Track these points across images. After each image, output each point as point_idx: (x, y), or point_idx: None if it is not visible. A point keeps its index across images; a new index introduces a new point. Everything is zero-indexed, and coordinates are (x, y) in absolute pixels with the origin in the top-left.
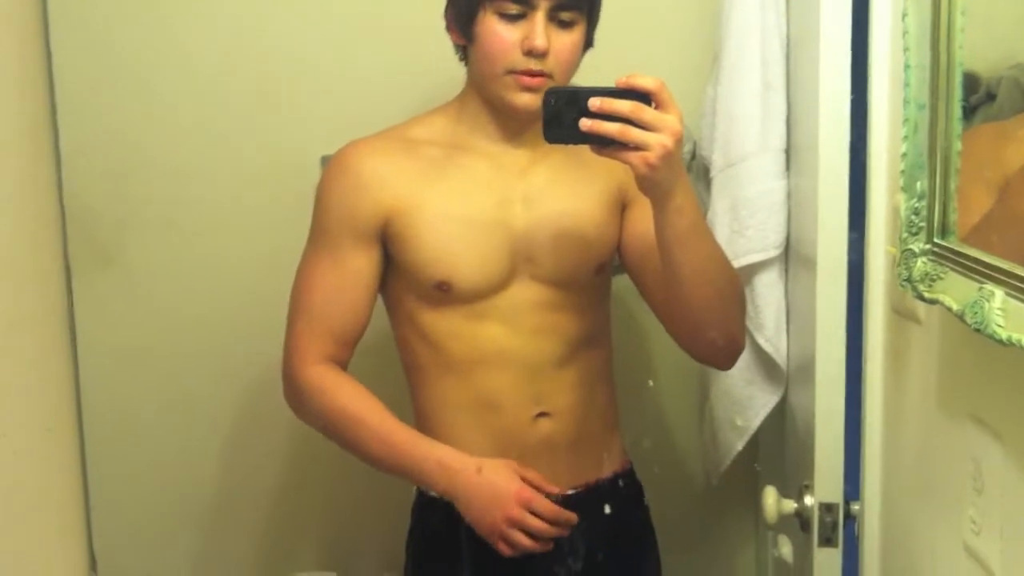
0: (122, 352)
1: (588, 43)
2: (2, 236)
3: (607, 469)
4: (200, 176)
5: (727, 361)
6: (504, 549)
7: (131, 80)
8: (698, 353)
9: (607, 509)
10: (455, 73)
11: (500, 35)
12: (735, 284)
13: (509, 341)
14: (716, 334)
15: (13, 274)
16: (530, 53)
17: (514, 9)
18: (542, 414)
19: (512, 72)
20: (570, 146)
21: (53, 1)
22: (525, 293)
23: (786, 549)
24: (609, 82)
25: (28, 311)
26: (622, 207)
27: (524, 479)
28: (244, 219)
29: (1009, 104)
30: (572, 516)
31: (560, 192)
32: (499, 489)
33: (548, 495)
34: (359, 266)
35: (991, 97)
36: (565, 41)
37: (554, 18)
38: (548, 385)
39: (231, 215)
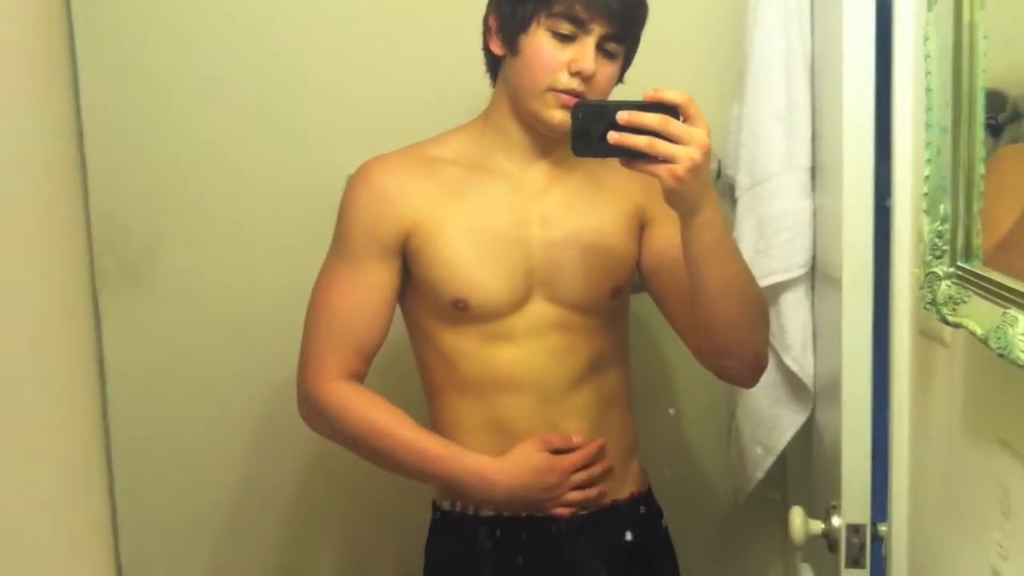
0: (147, 368)
1: (620, 78)
2: (31, 254)
3: (624, 491)
4: (226, 195)
5: (751, 379)
6: (563, 512)
7: (157, 100)
8: (722, 371)
9: (628, 536)
10: (477, 94)
11: (549, 52)
12: (760, 301)
13: (524, 363)
14: (741, 351)
15: (41, 292)
16: (578, 75)
17: (568, 30)
18: None
19: (553, 90)
20: (588, 167)
21: (80, 25)
22: (541, 314)
23: (814, 570)
24: (637, 98)
25: (55, 328)
26: (640, 228)
27: (550, 447)
28: (269, 237)
29: None
30: (598, 443)
31: (578, 213)
32: (540, 473)
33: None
34: (380, 280)
35: (1018, 116)
36: (606, 71)
37: (600, 47)
38: (561, 409)
39: (257, 233)
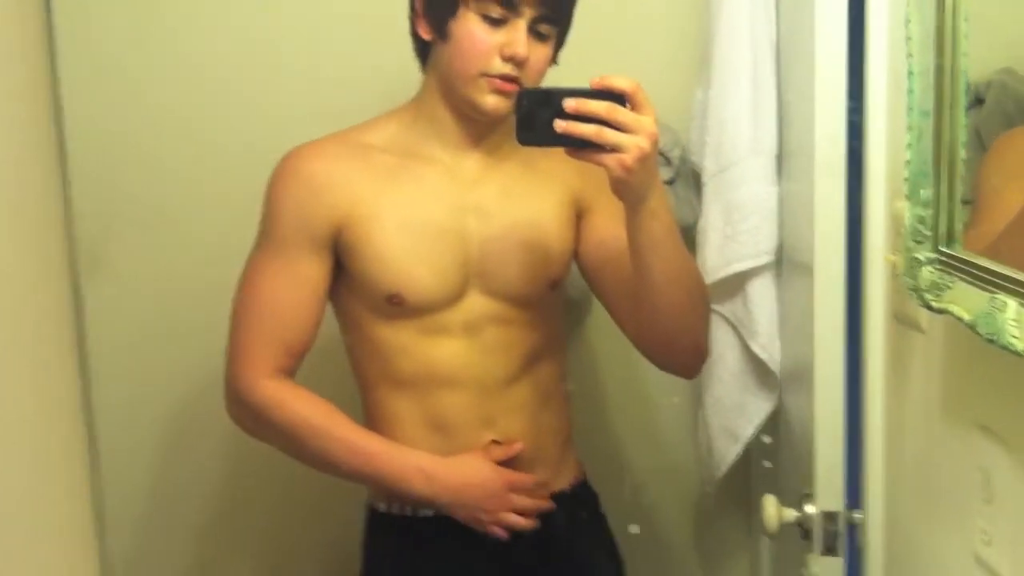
0: (116, 356)
1: (553, 59)
2: (9, 239)
3: (562, 482)
4: (190, 181)
5: (692, 370)
6: (500, 532)
7: (127, 84)
8: (665, 362)
9: (565, 524)
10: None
11: (480, 37)
12: (703, 292)
13: (460, 358)
14: (683, 342)
15: (19, 277)
16: (511, 59)
17: (498, 13)
18: (494, 442)
19: (486, 75)
20: (523, 154)
21: (60, 7)
22: (478, 307)
23: (785, 557)
24: (586, 83)
25: (34, 314)
26: (577, 217)
27: (496, 461)
28: (233, 220)
29: (998, 109)
30: (548, 503)
31: (514, 203)
32: (487, 482)
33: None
34: (311, 273)
35: (979, 101)
36: (539, 54)
37: (532, 29)
38: (499, 405)
39: (221, 216)
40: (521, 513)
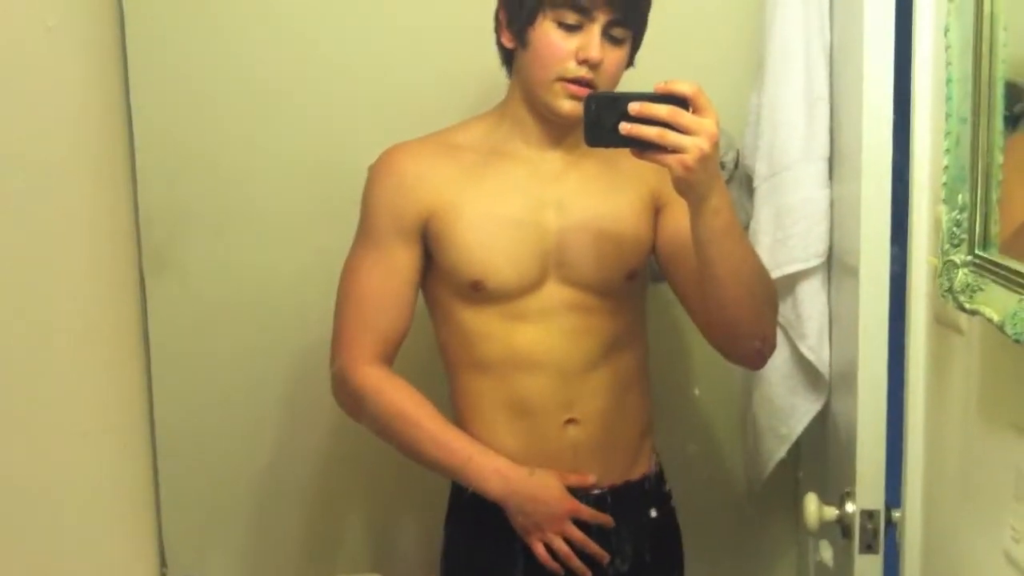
0: (177, 354)
1: (630, 62)
2: (82, 241)
3: (637, 471)
4: (253, 183)
5: (759, 361)
6: (543, 554)
7: (195, 93)
8: (731, 352)
9: (653, 513)
10: (495, 84)
11: (556, 43)
12: (768, 285)
13: (541, 343)
14: (748, 333)
15: (91, 277)
16: (585, 63)
17: (573, 19)
18: (571, 420)
19: (562, 79)
20: (604, 153)
21: (131, 18)
22: (557, 295)
23: (827, 555)
24: (651, 89)
25: (104, 314)
26: (655, 212)
27: (568, 486)
28: (294, 225)
29: None
30: (608, 519)
31: (593, 198)
32: (552, 501)
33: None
34: (403, 264)
35: None
36: (614, 57)
37: (607, 33)
38: (578, 389)
39: (282, 221)
40: (573, 545)
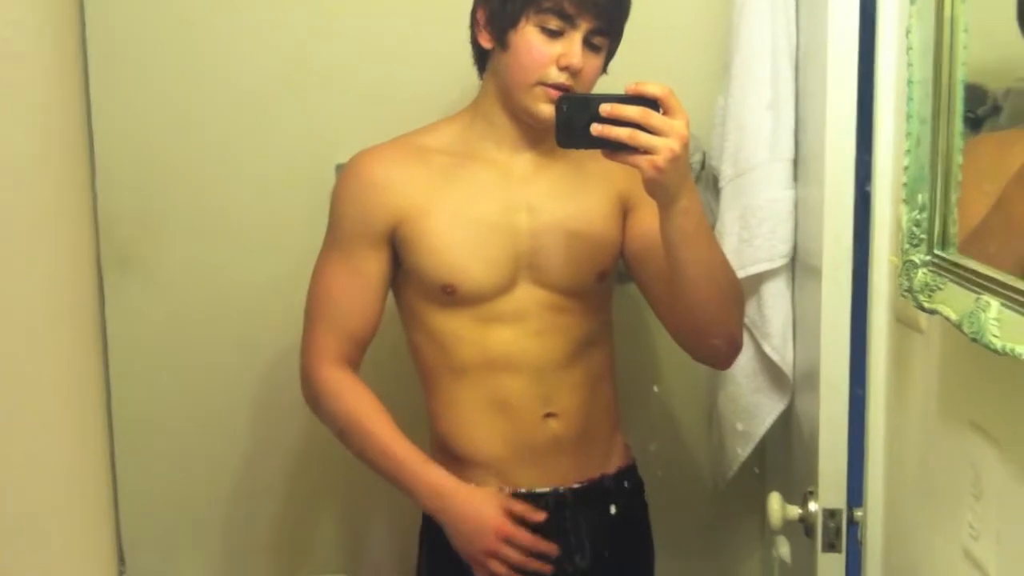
0: (143, 353)
1: (604, 70)
2: (38, 237)
3: (612, 465)
4: (219, 183)
5: (726, 361)
6: (480, 573)
7: (157, 91)
8: (698, 352)
9: (612, 509)
10: (466, 85)
11: (539, 48)
12: (736, 286)
13: (516, 344)
14: (717, 333)
15: (48, 273)
16: (566, 69)
17: (556, 25)
18: (550, 414)
19: (542, 84)
20: (572, 154)
21: (91, 22)
22: (530, 297)
23: (791, 553)
24: (620, 91)
25: (63, 312)
26: (623, 213)
27: (510, 511)
28: (264, 225)
29: (1015, 116)
30: (552, 548)
31: (564, 200)
32: (482, 521)
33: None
34: (371, 268)
35: (997, 109)
36: (592, 64)
37: (587, 41)
38: (555, 385)
39: (252, 221)
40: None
